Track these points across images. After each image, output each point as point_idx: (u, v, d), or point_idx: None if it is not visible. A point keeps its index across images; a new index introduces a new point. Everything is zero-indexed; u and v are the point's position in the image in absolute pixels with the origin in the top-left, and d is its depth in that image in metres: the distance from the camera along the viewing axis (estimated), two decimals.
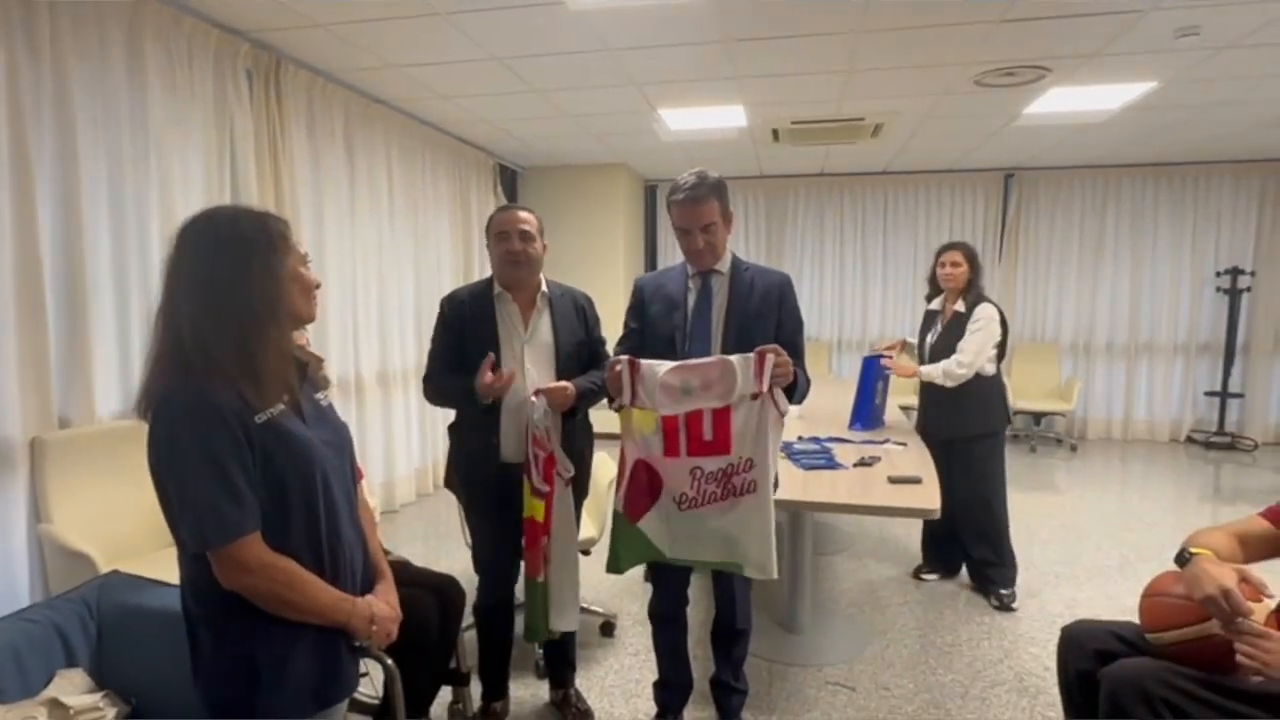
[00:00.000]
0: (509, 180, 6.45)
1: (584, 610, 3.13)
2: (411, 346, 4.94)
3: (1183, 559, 1.58)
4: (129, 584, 1.85)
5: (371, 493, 4.13)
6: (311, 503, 1.23)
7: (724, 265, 2.15)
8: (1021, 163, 6.59)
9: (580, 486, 2.33)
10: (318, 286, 1.33)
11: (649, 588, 3.53)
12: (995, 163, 6.57)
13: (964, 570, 3.53)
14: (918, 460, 2.97)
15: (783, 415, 1.87)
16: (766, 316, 2.08)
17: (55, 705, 1.57)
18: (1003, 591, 3.29)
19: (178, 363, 1.16)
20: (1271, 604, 1.48)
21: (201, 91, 3.15)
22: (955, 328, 3.30)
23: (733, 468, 1.85)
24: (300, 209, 3.73)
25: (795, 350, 2.01)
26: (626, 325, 2.24)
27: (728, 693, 2.33)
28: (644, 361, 1.90)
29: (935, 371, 3.26)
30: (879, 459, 2.95)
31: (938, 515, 2.34)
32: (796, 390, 1.96)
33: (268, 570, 1.17)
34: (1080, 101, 4.42)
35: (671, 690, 2.33)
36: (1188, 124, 5.07)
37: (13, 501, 2.39)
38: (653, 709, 2.44)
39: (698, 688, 2.40)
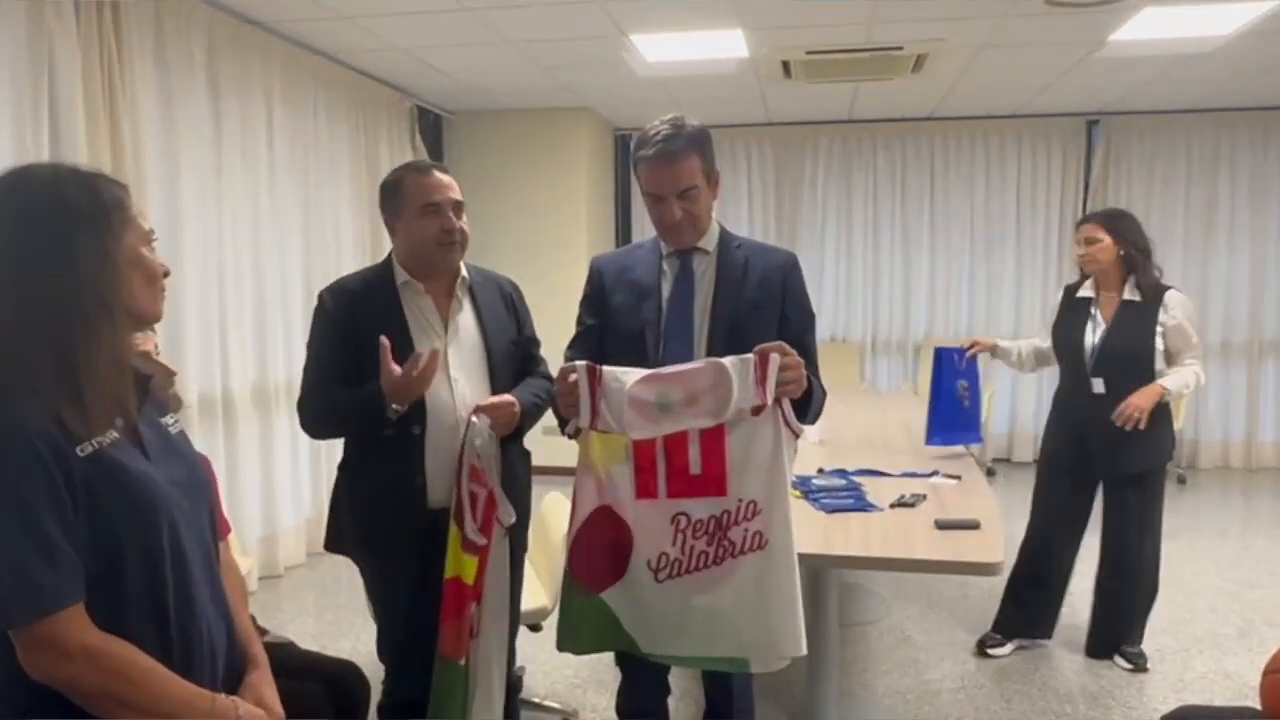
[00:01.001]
0: (432, 129, 6.45)
1: (535, 706, 3.13)
2: (300, 353, 4.87)
3: None
4: None
5: (244, 552, 4.10)
6: (154, 564, 1.22)
7: (709, 242, 2.16)
8: (1108, 106, 6.72)
9: (521, 536, 2.35)
10: (166, 274, 1.33)
11: (619, 674, 3.55)
12: (1075, 106, 6.69)
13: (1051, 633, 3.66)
14: (974, 497, 3.01)
15: (796, 437, 1.86)
16: (766, 308, 2.10)
17: None
18: (1131, 650, 3.46)
19: None
20: None
21: (8, 8, 3.12)
22: (1134, 322, 3.31)
23: (729, 515, 1.80)
24: (146, 168, 3.70)
25: (805, 352, 1.97)
26: (581, 321, 2.26)
27: None
28: (607, 369, 1.86)
29: (1186, 382, 3.28)
30: (924, 497, 2.98)
31: (998, 571, 2.37)
32: (811, 404, 1.96)
33: (94, 656, 1.15)
34: (1183, 25, 4.51)
35: None
36: None
37: None
38: None
39: None
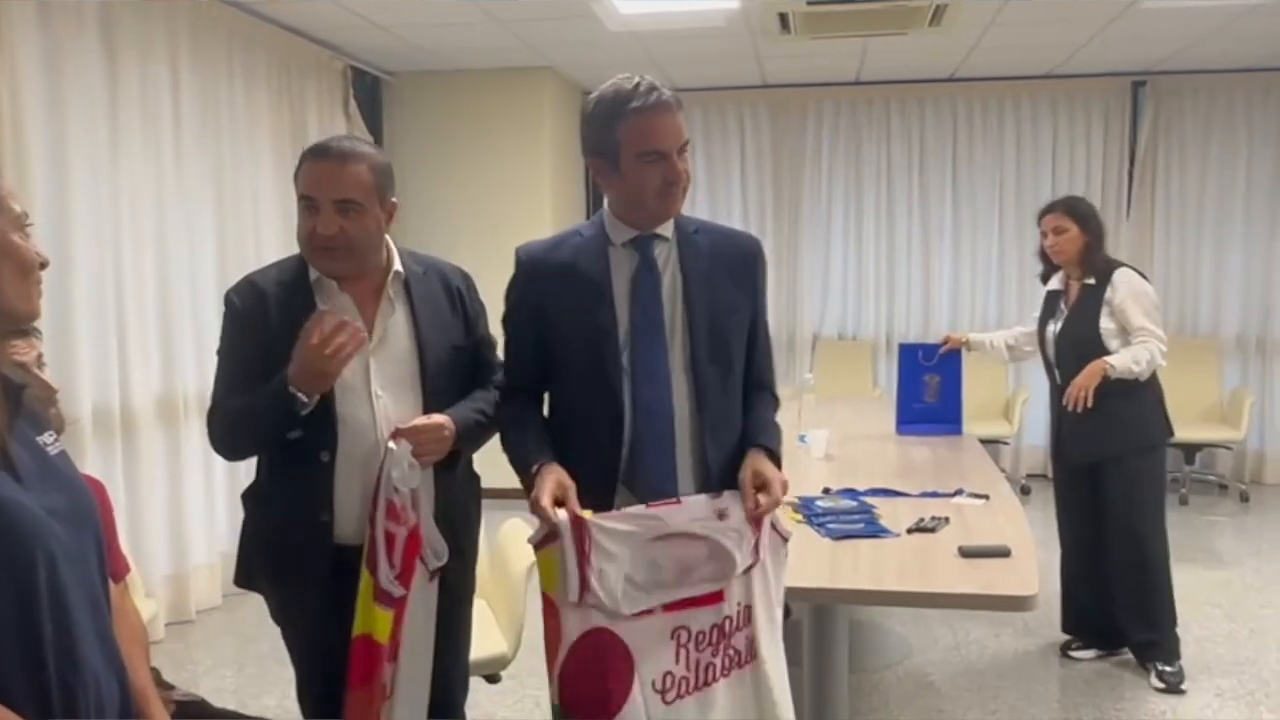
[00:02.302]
0: (369, 92, 6.46)
1: None
2: (211, 358, 4.86)
3: None
4: None
5: (148, 594, 4.06)
6: (27, 608, 1.20)
7: (666, 227, 2.07)
8: (1157, 64, 6.79)
9: (464, 576, 2.33)
10: (44, 265, 1.31)
11: None
12: (1118, 65, 6.77)
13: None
14: (1003, 520, 3.02)
15: (785, 540, 1.98)
16: (743, 309, 2.07)
17: None
18: (1166, 669, 3.64)
19: None
20: None
21: None
22: (1085, 308, 3.64)
23: (730, 622, 1.86)
24: (27, 140, 3.69)
25: (764, 347, 2.16)
26: (509, 335, 2.13)
27: None
28: (593, 524, 1.78)
29: (1137, 359, 3.51)
30: (946, 520, 2.99)
31: (1032, 605, 2.38)
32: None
33: None
34: None
35: None
36: None
37: None
38: None
39: None
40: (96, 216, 4.10)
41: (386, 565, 2.04)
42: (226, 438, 2.22)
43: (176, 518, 4.62)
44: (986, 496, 3.30)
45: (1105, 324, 3.59)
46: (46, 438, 1.37)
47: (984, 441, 5.09)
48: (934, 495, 3.35)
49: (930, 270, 7.40)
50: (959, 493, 3.35)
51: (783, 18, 5.28)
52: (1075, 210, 3.71)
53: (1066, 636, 4.05)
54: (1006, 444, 6.70)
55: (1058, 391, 3.73)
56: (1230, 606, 4.57)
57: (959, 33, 5.72)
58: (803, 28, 5.45)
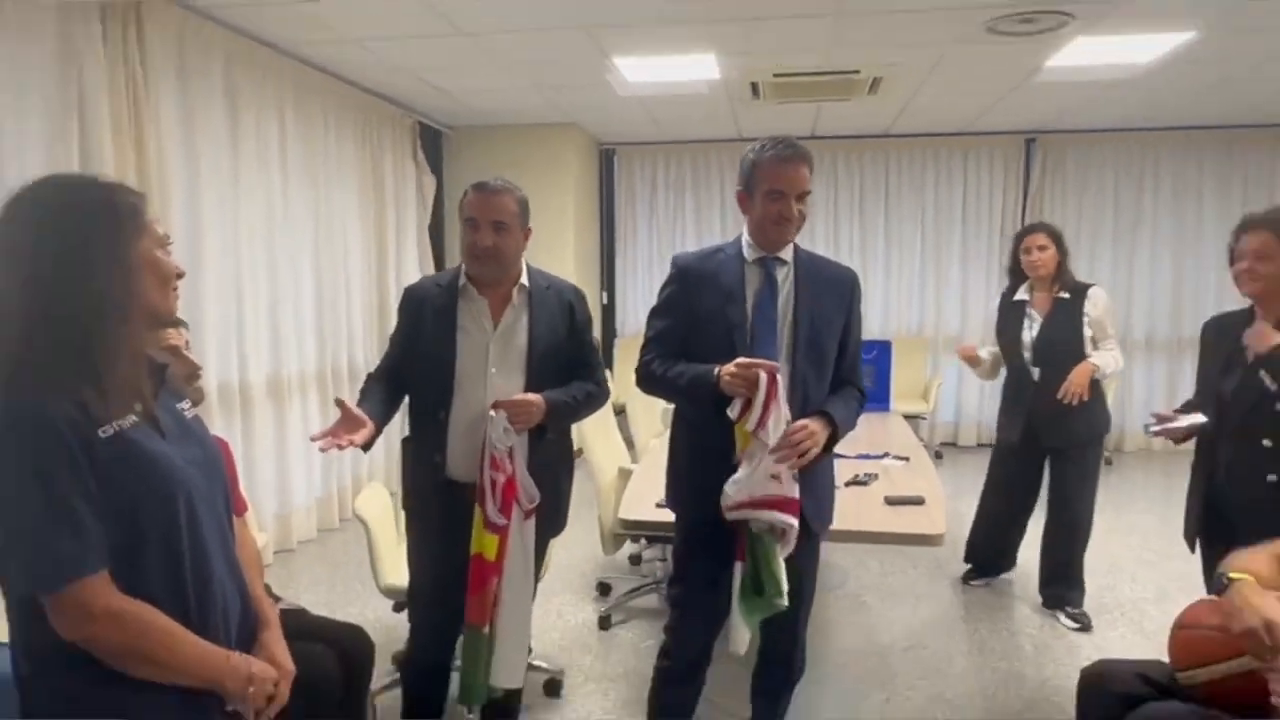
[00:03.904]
0: (432, 143, 6.43)
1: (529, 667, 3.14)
2: (311, 347, 4.89)
3: (1220, 586, 1.65)
4: None
5: (261, 528, 4.08)
6: (171, 535, 1.22)
7: (788, 253, 2.15)
8: (1045, 125, 6.78)
9: (555, 520, 2.35)
10: (180, 276, 1.32)
11: (604, 637, 3.56)
12: (1015, 125, 6.75)
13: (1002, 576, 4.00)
14: (920, 477, 3.04)
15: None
16: (835, 319, 2.13)
17: None
18: (1076, 610, 3.58)
19: (2, 367, 1.14)
20: None
21: (40, 33, 3.08)
22: (1064, 318, 3.47)
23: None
24: (169, 179, 3.67)
25: (855, 355, 2.19)
26: (660, 318, 2.20)
27: None
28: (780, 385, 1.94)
29: (1109, 361, 3.43)
30: (875, 476, 3.02)
31: (941, 542, 2.41)
32: (837, 438, 2.08)
33: (117, 617, 1.16)
34: (1109, 53, 4.57)
35: None
36: (1235, 81, 5.27)
37: None
38: None
39: None
40: (221, 238, 4.09)
41: (491, 502, 2.13)
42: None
43: (282, 471, 4.63)
44: (907, 459, 3.33)
45: (1087, 332, 3.46)
46: (184, 405, 1.39)
47: (906, 417, 5.11)
48: (866, 457, 3.37)
49: (866, 285, 7.25)
50: (886, 455, 3.38)
51: (754, 86, 5.29)
52: (1054, 231, 3.54)
53: (966, 568, 4.04)
54: (924, 419, 6.70)
55: (1034, 386, 3.49)
56: (1095, 547, 4.55)
57: (890, 99, 5.71)
58: (769, 95, 5.45)
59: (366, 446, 2.14)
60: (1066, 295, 3.49)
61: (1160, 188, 6.96)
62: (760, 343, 2.06)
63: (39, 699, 1.21)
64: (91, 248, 1.18)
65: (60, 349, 1.15)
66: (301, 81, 4.71)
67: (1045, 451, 3.59)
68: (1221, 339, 2.45)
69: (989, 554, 3.95)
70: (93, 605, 1.14)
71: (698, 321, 2.13)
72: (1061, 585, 3.64)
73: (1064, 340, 3.45)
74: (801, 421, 1.96)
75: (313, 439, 2.10)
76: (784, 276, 2.14)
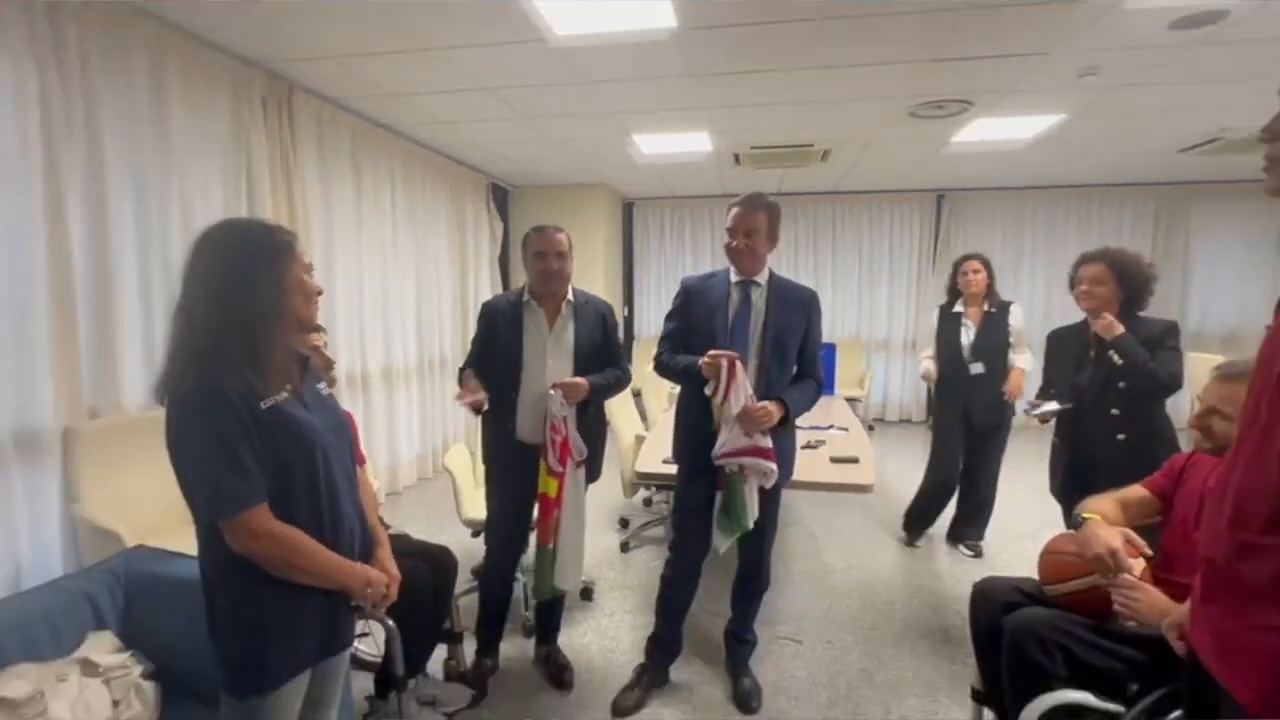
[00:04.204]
0: (500, 198, 6.42)
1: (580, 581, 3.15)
2: (412, 346, 4.91)
3: (1076, 523, 1.64)
4: (153, 556, 1.84)
5: (376, 475, 4.11)
6: (313, 478, 1.23)
7: (762, 278, 2.15)
8: (951, 185, 6.70)
9: (593, 470, 2.35)
10: (319, 293, 1.33)
11: (624, 558, 3.57)
12: (929, 184, 6.67)
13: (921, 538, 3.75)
14: (856, 443, 3.02)
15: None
16: (797, 328, 2.12)
17: (87, 663, 1.56)
18: (977, 542, 3.55)
19: (191, 354, 1.15)
20: (1143, 563, 1.54)
21: (220, 115, 3.11)
22: (994, 326, 3.35)
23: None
24: (311, 222, 3.69)
25: (814, 354, 2.16)
26: (668, 321, 2.26)
27: (741, 644, 2.36)
28: (739, 367, 1.97)
29: (1027, 362, 3.36)
30: (823, 442, 3.00)
31: (871, 490, 2.39)
32: (789, 417, 2.07)
33: (274, 537, 1.17)
34: (1000, 131, 4.51)
35: (666, 648, 2.34)
36: (1092, 151, 5.19)
37: (46, 484, 2.35)
38: (625, 664, 2.46)
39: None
40: (347, 266, 4.11)
41: (552, 455, 2.14)
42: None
43: (391, 434, 4.64)
44: (847, 429, 3.30)
45: (1009, 339, 3.34)
46: (321, 386, 1.40)
47: (847, 399, 5.08)
48: (817, 428, 3.35)
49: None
50: (831, 427, 3.36)
51: (736, 156, 5.25)
52: (985, 259, 3.43)
53: (906, 534, 3.75)
54: (860, 401, 6.66)
55: (972, 380, 3.32)
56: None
57: (837, 165, 5.66)
58: (748, 162, 5.42)
59: (478, 410, 2.18)
60: (993, 309, 3.38)
61: (1037, 232, 6.85)
62: (736, 344, 2.09)
63: (219, 596, 1.23)
64: (257, 271, 1.19)
65: (234, 344, 1.16)
66: (407, 152, 4.72)
67: (974, 428, 3.42)
68: (1064, 345, 2.50)
69: (929, 515, 3.65)
70: (256, 528, 1.16)
71: (694, 325, 2.16)
72: (968, 526, 3.56)
73: (995, 344, 3.33)
74: (762, 403, 1.98)
75: (456, 399, 2.16)
76: (759, 295, 2.14)
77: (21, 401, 2.29)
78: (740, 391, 1.97)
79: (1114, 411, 2.26)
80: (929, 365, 3.53)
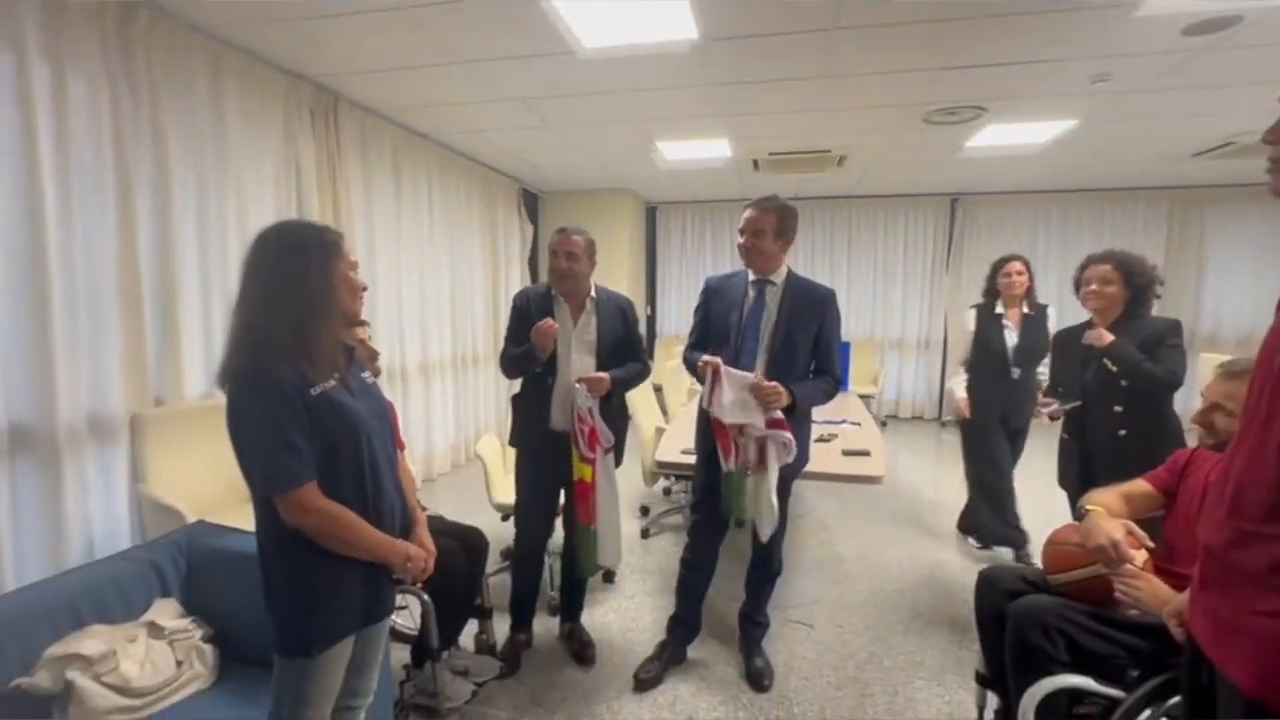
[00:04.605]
0: (530, 202, 6.47)
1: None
2: (448, 341, 4.98)
3: (1080, 515, 1.62)
4: (212, 531, 1.91)
5: (413, 461, 4.18)
6: (357, 459, 1.27)
7: (778, 278, 2.15)
8: (965, 189, 6.59)
9: (615, 456, 2.36)
10: (364, 289, 1.36)
11: (644, 544, 3.59)
12: (942, 188, 6.57)
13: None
14: (868, 437, 3.01)
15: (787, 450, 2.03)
16: (809, 326, 2.10)
17: (153, 626, 1.64)
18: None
19: (249, 345, 1.20)
20: (1145, 555, 1.53)
21: (272, 125, 3.19)
22: (1035, 329, 3.11)
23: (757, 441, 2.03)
24: (355, 224, 3.77)
25: (829, 354, 2.12)
26: (693, 318, 2.29)
27: (754, 625, 2.37)
28: (725, 368, 1.99)
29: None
30: (836, 436, 2.99)
31: (880, 481, 2.38)
32: (797, 405, 2.04)
33: (322, 512, 1.22)
34: (1013, 136, 4.43)
35: (686, 627, 2.36)
36: (1105, 156, 5.07)
37: (116, 465, 2.45)
38: (644, 643, 2.49)
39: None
40: (387, 265, 4.17)
41: (583, 443, 2.16)
42: (508, 367, 2.32)
43: (428, 425, 4.71)
44: (859, 424, 3.28)
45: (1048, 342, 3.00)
46: (365, 375, 1.43)
47: (861, 396, 5.04)
48: (830, 422, 3.34)
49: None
50: (844, 421, 3.34)
51: (755, 162, 5.22)
52: (1025, 260, 3.20)
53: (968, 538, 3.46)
54: (873, 398, 6.60)
55: (1012, 383, 3.07)
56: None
57: (852, 170, 5.60)
58: (766, 168, 5.39)
59: (549, 342, 2.17)
60: (1031, 311, 3.15)
61: (1050, 235, 6.69)
62: (746, 339, 2.11)
63: (273, 566, 1.27)
64: (308, 268, 1.22)
65: (287, 335, 1.20)
66: (443, 159, 4.78)
67: (1008, 430, 3.16)
68: (1070, 344, 2.47)
69: (1000, 528, 3.23)
70: (307, 504, 1.20)
71: (713, 321, 2.19)
72: (1001, 520, 3.24)
73: (1037, 347, 3.06)
74: (774, 383, 1.98)
75: (541, 326, 2.13)
76: (773, 294, 2.14)
77: (95, 390, 2.39)
78: (723, 392, 1.99)
79: (1117, 408, 2.22)
80: (963, 396, 3.23)
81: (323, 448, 1.22)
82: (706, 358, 2.03)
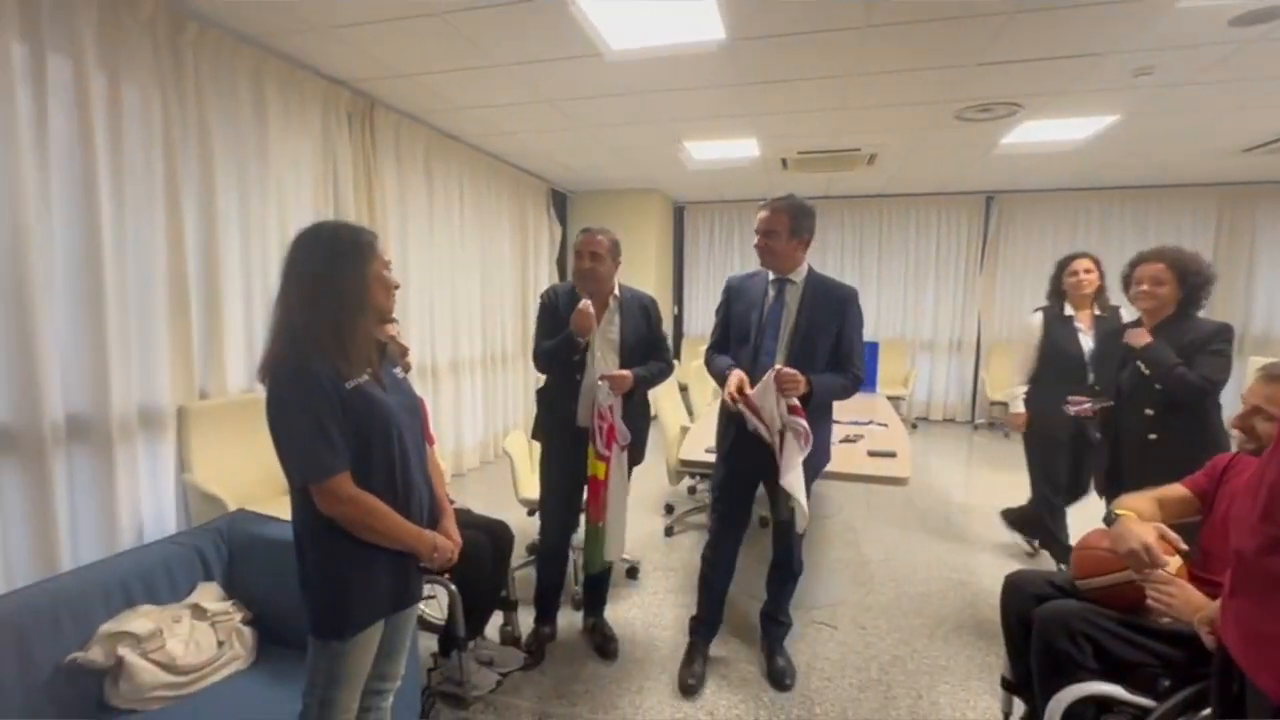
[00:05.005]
0: (560, 203, 6.52)
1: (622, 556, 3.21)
2: (478, 339, 5.06)
3: (1109, 519, 1.59)
4: (252, 519, 1.99)
5: (443, 457, 4.26)
6: (388, 451, 1.31)
7: (798, 276, 2.14)
8: (1000, 186, 6.44)
9: (637, 454, 2.38)
10: (397, 287, 1.40)
11: (668, 541, 3.61)
12: (976, 186, 6.43)
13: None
14: (895, 438, 2.97)
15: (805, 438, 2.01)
16: (828, 325, 2.09)
17: (197, 608, 1.72)
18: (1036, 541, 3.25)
19: (288, 340, 1.24)
20: (1179, 561, 1.49)
21: (311, 129, 3.29)
22: (1108, 332, 2.73)
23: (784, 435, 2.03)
24: (389, 224, 3.85)
25: (849, 350, 2.10)
26: (715, 319, 2.29)
27: (776, 625, 2.37)
28: (747, 393, 1.99)
29: None
30: (862, 436, 2.96)
31: (906, 483, 2.36)
32: (813, 396, 2.02)
33: (354, 502, 1.26)
34: (1051, 133, 4.31)
35: (709, 625, 2.37)
36: (1148, 152, 4.90)
37: (164, 455, 2.57)
38: (667, 639, 2.51)
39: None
40: (420, 265, 4.25)
41: (600, 440, 2.18)
42: (541, 361, 2.34)
43: (457, 421, 4.80)
44: (886, 425, 3.24)
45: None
46: (397, 370, 1.47)
47: (890, 398, 4.98)
48: (856, 423, 3.31)
49: (865, 305, 7.07)
50: (870, 422, 3.30)
51: (783, 161, 5.19)
52: (1095, 257, 2.92)
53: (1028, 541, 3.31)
54: (903, 399, 6.49)
55: (1091, 391, 2.67)
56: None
57: (883, 168, 5.52)
58: (794, 167, 5.34)
59: (577, 349, 2.20)
60: (1104, 313, 2.90)
61: (1090, 234, 6.47)
62: (766, 337, 2.10)
63: (308, 552, 1.32)
64: (345, 266, 1.27)
65: (324, 331, 1.24)
66: (474, 161, 4.86)
67: (1084, 439, 2.83)
68: (1112, 341, 2.39)
69: (1052, 542, 3.08)
70: (341, 493, 1.25)
71: (733, 319, 2.20)
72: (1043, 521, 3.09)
73: (1114, 353, 2.56)
74: (793, 370, 1.98)
75: (580, 308, 2.16)
76: (793, 293, 2.13)
77: (145, 384, 2.51)
78: (760, 409, 1.98)
79: (1148, 411, 2.15)
80: (1020, 407, 2.98)
81: (355, 440, 1.26)
82: (733, 395, 1.99)
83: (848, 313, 2.11)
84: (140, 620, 1.59)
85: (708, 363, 2.24)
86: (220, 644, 1.68)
